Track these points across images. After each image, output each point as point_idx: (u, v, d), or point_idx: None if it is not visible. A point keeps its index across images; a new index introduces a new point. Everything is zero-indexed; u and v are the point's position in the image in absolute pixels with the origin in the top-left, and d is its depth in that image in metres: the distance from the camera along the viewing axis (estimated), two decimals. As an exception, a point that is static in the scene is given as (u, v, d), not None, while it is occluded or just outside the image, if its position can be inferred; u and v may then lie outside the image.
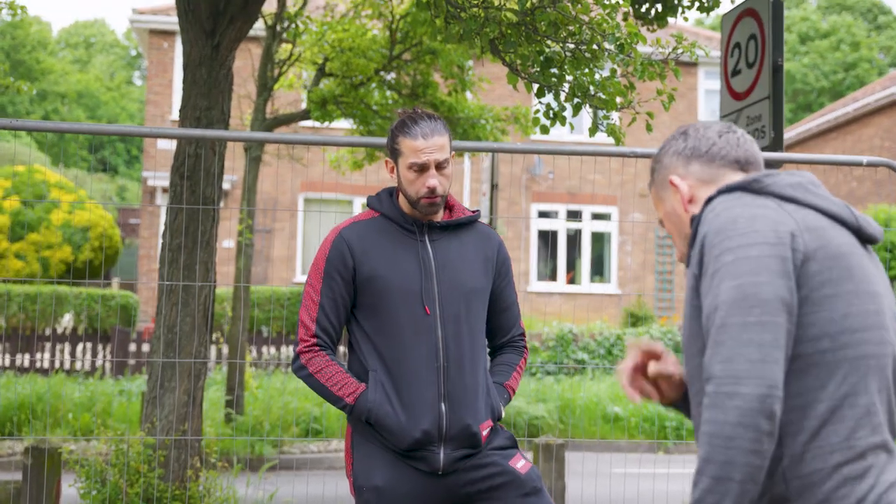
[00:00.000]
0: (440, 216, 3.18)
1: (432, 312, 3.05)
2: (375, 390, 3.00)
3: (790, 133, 25.22)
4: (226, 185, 20.22)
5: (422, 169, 3.06)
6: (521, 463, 3.12)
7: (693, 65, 21.91)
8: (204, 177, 6.10)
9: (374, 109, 10.78)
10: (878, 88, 22.93)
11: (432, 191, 3.06)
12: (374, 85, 10.69)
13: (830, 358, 1.84)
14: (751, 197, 1.94)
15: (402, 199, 3.15)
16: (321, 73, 10.84)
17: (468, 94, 11.67)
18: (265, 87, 10.85)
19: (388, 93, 10.94)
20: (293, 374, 3.17)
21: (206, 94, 6.19)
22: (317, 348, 3.04)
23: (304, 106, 11.09)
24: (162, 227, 20.92)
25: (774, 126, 5.73)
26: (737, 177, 2.07)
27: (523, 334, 3.36)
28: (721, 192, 1.99)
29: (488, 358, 3.29)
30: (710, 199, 2.00)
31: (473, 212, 3.25)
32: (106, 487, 5.63)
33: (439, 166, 3.07)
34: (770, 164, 5.82)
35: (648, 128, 4.87)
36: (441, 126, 3.09)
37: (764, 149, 5.71)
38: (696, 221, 2.00)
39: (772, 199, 1.94)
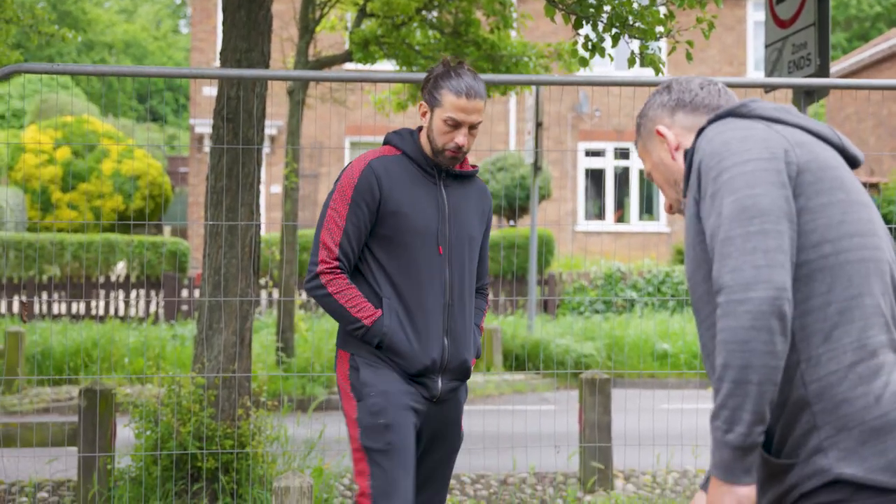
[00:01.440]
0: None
1: (445, 253, 3.26)
2: (390, 316, 3.18)
3: (844, 63, 24.67)
4: (272, 131, 20.32)
5: (456, 125, 3.22)
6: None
7: (742, -4, 21.48)
8: (246, 118, 6.13)
9: (416, 49, 10.71)
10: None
11: (459, 148, 3.24)
12: (415, 24, 10.60)
13: (833, 262, 1.91)
14: (740, 121, 2.04)
15: (424, 141, 3.31)
16: (362, 13, 10.78)
17: (512, 32, 11.56)
18: (307, 29, 10.82)
19: (431, 32, 10.86)
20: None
21: (246, 36, 6.19)
22: (338, 270, 3.18)
23: (346, 48, 11.05)
24: (210, 174, 21.08)
25: (820, 53, 5.63)
26: None
27: (488, 284, 3.61)
28: (711, 121, 2.09)
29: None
30: (701, 130, 2.09)
31: (473, 167, 3.44)
32: (159, 427, 5.75)
33: (472, 127, 3.24)
34: (817, 91, 5.72)
35: (688, 56, 4.80)
36: (483, 89, 3.23)
37: (810, 76, 5.61)
38: (689, 152, 2.09)
39: (760, 122, 2.03)
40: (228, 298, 5.94)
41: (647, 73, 19.06)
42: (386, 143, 3.37)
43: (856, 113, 24.89)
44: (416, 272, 3.21)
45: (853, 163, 2.11)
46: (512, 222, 18.67)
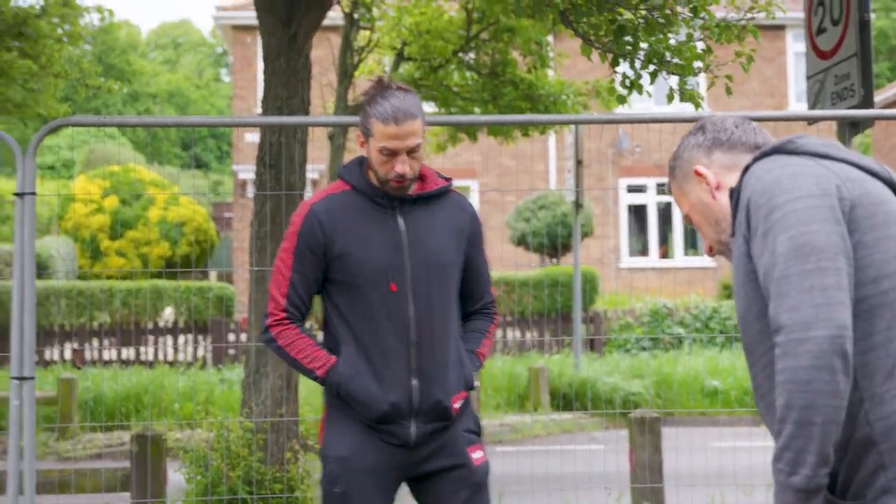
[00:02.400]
0: (413, 187, 3.13)
1: (401, 289, 3.03)
2: (346, 363, 3.01)
3: (888, 92, 24.46)
4: (314, 175, 20.50)
5: (392, 153, 2.99)
6: (477, 454, 3.16)
7: (781, 27, 21.43)
8: (287, 164, 6.22)
9: (454, 91, 10.81)
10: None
11: (402, 176, 3.01)
12: (453, 66, 10.71)
13: (893, 297, 1.89)
14: (788, 157, 2.01)
15: (372, 172, 3.10)
16: (400, 57, 10.91)
17: (549, 72, 11.62)
18: (346, 74, 10.97)
19: (468, 73, 10.95)
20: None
21: (286, 83, 6.30)
22: (287, 321, 3.03)
23: (385, 91, 11.15)
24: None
25: (864, 84, 5.59)
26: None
27: (494, 302, 3.35)
28: (757, 158, 2.05)
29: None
30: (747, 167, 2.05)
31: (447, 180, 3.19)
32: (209, 472, 5.79)
33: (411, 151, 3.00)
34: (861, 122, 5.69)
35: (728, 91, 4.80)
36: (414, 107, 2.99)
37: (854, 107, 5.57)
38: (736, 190, 2.05)
39: (808, 158, 1.99)
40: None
41: (687, 108, 19.05)
42: (339, 176, 3.18)
43: (901, 142, 24.61)
44: (369, 312, 3.01)
45: None
46: (554, 260, 18.64)
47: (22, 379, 4.00)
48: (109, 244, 20.85)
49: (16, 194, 4.03)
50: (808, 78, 6.14)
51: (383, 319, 3.01)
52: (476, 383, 3.25)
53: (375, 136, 2.99)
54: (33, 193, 4.05)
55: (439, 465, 3.09)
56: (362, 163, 3.14)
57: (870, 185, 1.98)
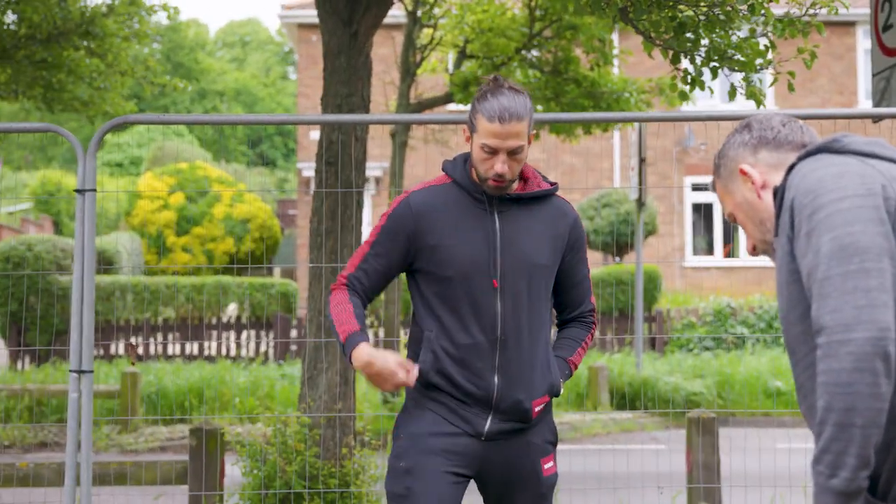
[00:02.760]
0: (514, 187, 3.11)
1: (490, 286, 3.03)
2: (427, 352, 3.03)
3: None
4: (377, 172, 20.62)
5: (493, 152, 2.98)
6: (549, 465, 3.14)
7: (850, 24, 21.01)
8: (347, 162, 6.25)
9: (517, 89, 10.76)
10: None
11: (500, 176, 2.99)
12: (515, 64, 10.68)
13: None
14: (833, 157, 1.99)
15: (474, 169, 3.09)
16: (462, 55, 10.91)
17: (615, 70, 11.54)
18: (408, 72, 11.00)
19: (531, 71, 10.91)
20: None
21: (346, 81, 6.33)
22: (344, 287, 3.08)
23: (447, 90, 11.18)
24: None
25: (930, 80, 5.48)
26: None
27: (593, 310, 3.30)
28: (801, 157, 2.03)
29: (554, 331, 3.25)
30: (792, 166, 2.03)
31: (552, 184, 3.16)
32: (266, 466, 5.85)
33: (512, 152, 2.98)
34: (927, 121, 5.56)
35: (790, 87, 4.72)
36: (522, 108, 2.95)
37: (920, 105, 5.45)
38: (780, 189, 2.03)
39: (853, 157, 1.98)
40: (331, 340, 6.02)
41: (751, 106, 18.77)
42: (442, 170, 3.20)
43: (976, 140, 24.03)
44: (458, 306, 3.02)
45: None
46: (618, 258, 18.50)
47: (80, 372, 4.07)
48: (175, 240, 21.17)
49: (77, 191, 4.10)
50: (874, 76, 6.03)
51: (470, 314, 3.01)
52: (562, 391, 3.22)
53: (479, 132, 2.99)
54: (94, 190, 4.11)
55: (509, 471, 3.08)
56: (467, 158, 3.14)
57: None
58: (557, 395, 3.13)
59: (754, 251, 2.22)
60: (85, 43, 9.42)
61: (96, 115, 10.13)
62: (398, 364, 2.90)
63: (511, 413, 3.03)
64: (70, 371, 4.08)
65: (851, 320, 1.79)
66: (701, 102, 18.08)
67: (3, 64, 9.35)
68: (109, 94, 10.00)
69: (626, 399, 11.35)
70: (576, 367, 3.25)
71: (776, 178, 2.13)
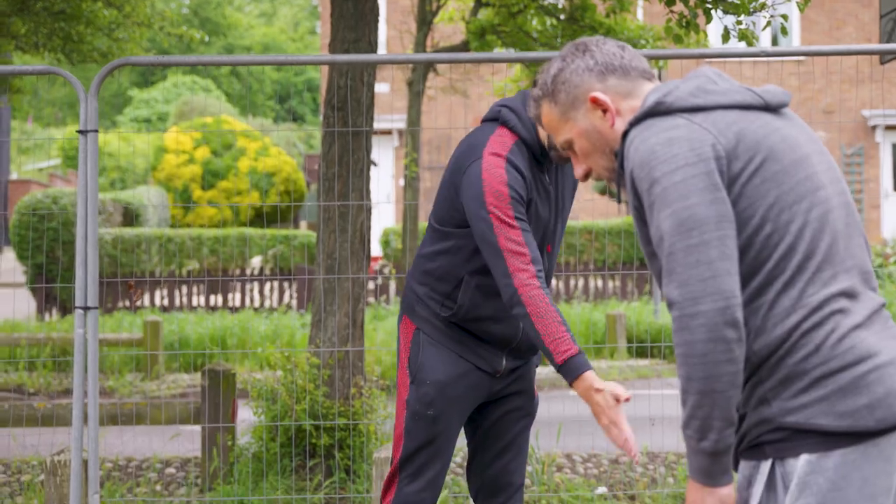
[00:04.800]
0: None
1: (546, 250, 3.17)
2: (465, 294, 3.12)
3: None
4: (400, 125, 20.65)
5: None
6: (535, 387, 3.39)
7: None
8: (355, 107, 6.32)
9: (533, 37, 10.74)
10: None
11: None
12: (531, 12, 10.63)
13: (777, 239, 1.93)
14: (660, 120, 1.99)
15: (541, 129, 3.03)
16: (479, 3, 10.88)
17: (640, 14, 11.48)
18: (424, 21, 11.00)
19: (547, 19, 10.86)
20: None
21: (354, 26, 6.37)
22: (538, 281, 2.92)
23: (462, 38, 11.18)
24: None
25: (935, 19, 5.48)
26: (648, 86, 2.13)
27: None
28: (632, 124, 2.04)
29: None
30: (625, 133, 2.05)
31: None
32: (276, 405, 5.99)
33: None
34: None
35: (784, 31, 4.72)
36: None
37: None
38: (619, 157, 2.07)
39: (680, 117, 1.98)
40: (341, 277, 6.13)
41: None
42: (502, 122, 3.07)
43: None
44: None
45: (782, 106, 2.07)
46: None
47: (86, 309, 4.20)
48: (201, 194, 21.36)
49: (79, 131, 4.21)
50: (882, 16, 6.02)
51: None
52: None
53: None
54: (96, 131, 4.22)
55: (512, 389, 3.29)
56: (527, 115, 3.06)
57: (744, 125, 1.99)
58: None
59: (586, 178, 2.21)
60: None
61: (115, 66, 10.21)
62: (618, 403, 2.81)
63: (523, 351, 3.24)
64: (75, 307, 4.22)
65: (699, 293, 1.86)
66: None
67: (22, 16, 9.45)
68: (128, 44, 10.09)
69: (643, 347, 11.42)
70: None
71: (626, 106, 2.12)
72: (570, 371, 2.83)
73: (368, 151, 6.45)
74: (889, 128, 21.27)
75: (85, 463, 4.28)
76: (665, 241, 1.92)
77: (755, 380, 1.95)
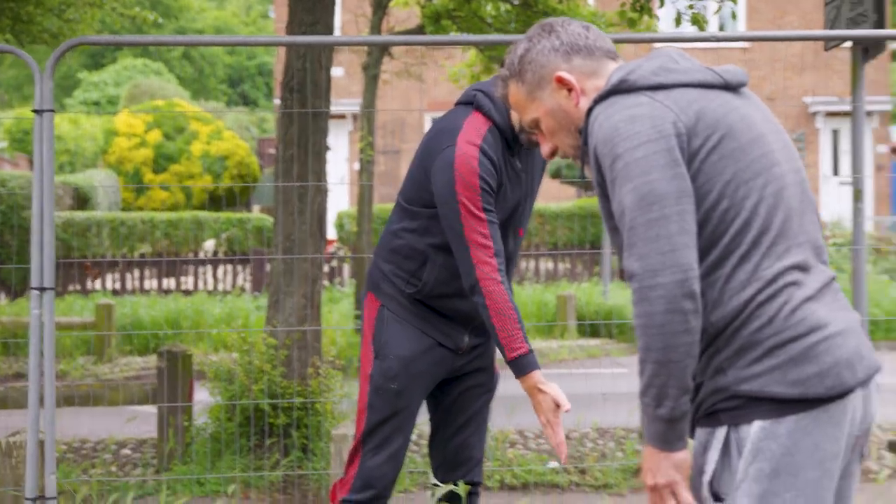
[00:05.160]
0: None
1: (517, 234, 3.21)
2: (431, 272, 3.15)
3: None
4: (355, 108, 20.57)
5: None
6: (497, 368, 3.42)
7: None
8: (312, 90, 6.30)
9: (487, 22, 10.75)
10: None
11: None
12: (485, -4, 10.63)
13: (733, 214, 1.98)
14: (623, 98, 2.03)
15: (514, 113, 3.05)
16: (433, -13, 10.86)
17: (590, 1, 11.52)
18: (380, 5, 10.96)
19: (501, 5, 10.88)
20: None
21: (311, 9, 6.35)
22: (499, 276, 2.98)
23: (418, 23, 11.15)
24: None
25: (877, 9, 5.61)
26: (612, 66, 2.16)
27: None
28: (596, 101, 2.07)
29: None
30: (589, 111, 2.08)
31: None
32: (234, 385, 5.98)
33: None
34: (873, 46, 5.68)
35: (733, 15, 4.80)
36: None
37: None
38: (584, 134, 2.11)
39: (643, 95, 2.02)
40: (298, 258, 6.12)
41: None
42: (477, 106, 3.09)
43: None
44: None
45: (741, 85, 2.12)
46: (590, 192, 18.63)
47: (42, 290, 4.17)
48: (153, 177, 21.14)
49: (34, 111, 4.16)
50: (827, 4, 6.13)
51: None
52: None
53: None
54: (51, 111, 4.17)
55: (474, 365, 3.33)
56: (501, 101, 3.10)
57: (704, 103, 2.03)
58: None
59: (552, 156, 2.24)
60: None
61: (66, 47, 10.07)
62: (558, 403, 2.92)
63: (486, 329, 3.26)
64: (31, 288, 4.18)
65: (658, 266, 1.90)
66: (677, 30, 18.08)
67: (-30, -4, 9.28)
68: (79, 25, 9.94)
69: (592, 327, 11.54)
70: None
71: (591, 85, 2.15)
72: (520, 368, 2.96)
73: (325, 133, 6.44)
74: (829, 114, 21.62)
75: (41, 444, 4.24)
76: (626, 215, 1.96)
77: (711, 350, 2.00)
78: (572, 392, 6.60)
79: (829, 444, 1.94)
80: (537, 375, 2.93)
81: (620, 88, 2.04)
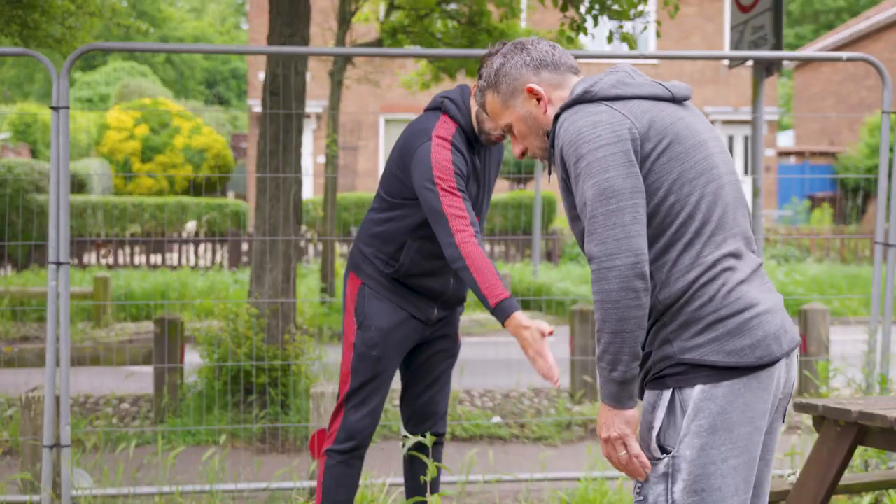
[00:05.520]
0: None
1: (477, 219, 3.16)
2: (407, 254, 3.16)
3: (810, 49, 24.36)
4: (318, 109, 20.39)
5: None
6: (460, 336, 3.45)
7: (721, -9, 21.24)
8: (288, 93, 6.23)
9: (437, 37, 10.72)
10: (888, 7, 22.00)
11: (503, 135, 3.07)
12: (436, 15, 10.60)
13: (679, 207, 2.00)
14: (586, 106, 2.05)
15: (473, 115, 3.11)
16: (391, 6, 10.81)
17: (522, 22, 11.53)
18: (344, 20, 10.86)
19: (450, 22, 10.85)
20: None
21: (289, 22, 6.27)
22: (475, 238, 2.97)
23: (377, 36, 11.08)
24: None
25: (775, 33, 5.66)
26: (574, 79, 2.18)
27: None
28: (563, 109, 2.09)
29: None
30: (557, 116, 2.10)
31: None
32: (220, 349, 5.92)
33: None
34: (774, 64, 5.76)
35: (658, 34, 4.83)
36: None
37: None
38: (551, 137, 2.12)
39: (603, 104, 2.04)
40: (276, 239, 6.07)
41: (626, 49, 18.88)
42: (444, 111, 3.13)
43: (819, 92, 24.61)
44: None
45: (685, 98, 2.15)
46: (522, 185, 18.70)
47: (59, 264, 4.08)
48: (140, 166, 20.76)
49: (52, 107, 4.06)
50: (731, 28, 6.19)
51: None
52: None
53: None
54: (67, 107, 4.08)
55: (440, 333, 3.34)
56: (466, 103, 3.13)
57: (656, 112, 2.05)
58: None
59: (522, 156, 2.26)
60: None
61: (68, 51, 9.84)
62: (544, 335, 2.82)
63: (453, 302, 3.29)
64: (49, 262, 4.08)
65: (615, 250, 1.92)
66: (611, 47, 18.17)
67: (-18, 4, 9.00)
68: (80, 32, 9.71)
69: (525, 302, 11.60)
70: None
71: (557, 95, 2.17)
72: (502, 311, 2.85)
73: (300, 131, 6.38)
74: (725, 122, 21.95)
75: (56, 399, 4.16)
76: (588, 206, 1.97)
77: (659, 324, 2.02)
78: (508, 358, 6.66)
79: (759, 404, 1.98)
80: (520, 316, 2.84)
81: (584, 98, 2.06)
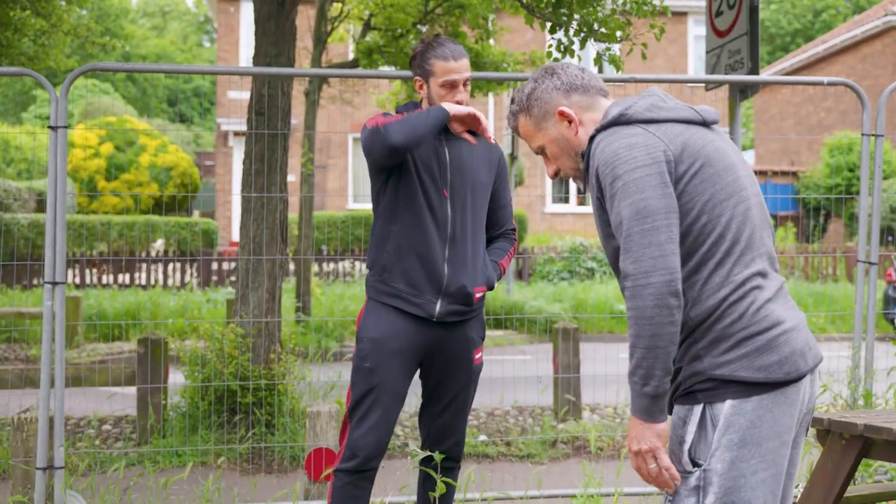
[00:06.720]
0: None
1: (448, 195, 3.20)
2: (393, 243, 3.18)
3: (768, 71, 24.85)
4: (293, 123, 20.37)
5: (452, 86, 3.15)
6: (478, 355, 3.35)
7: (683, 14, 21.61)
8: (274, 113, 6.25)
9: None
10: (842, 31, 22.55)
11: (460, 104, 3.16)
12: (412, 36, 10.68)
13: (710, 227, 2.06)
14: (622, 129, 2.11)
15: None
16: (367, 26, 10.86)
17: (493, 42, 11.63)
18: (320, 40, 10.90)
19: (424, 42, 10.92)
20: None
21: (275, 43, 6.30)
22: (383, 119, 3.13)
23: (352, 56, 11.14)
24: (235, 166, 20.99)
25: (752, 57, 5.79)
26: (605, 102, 2.25)
27: (514, 229, 3.52)
28: (598, 130, 2.15)
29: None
30: (592, 138, 2.16)
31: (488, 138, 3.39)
32: (206, 369, 5.89)
33: (465, 83, 3.18)
34: (749, 87, 5.89)
35: (643, 56, 4.94)
36: (463, 49, 3.21)
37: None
38: (586, 157, 2.18)
39: (638, 126, 2.11)
40: (260, 258, 6.07)
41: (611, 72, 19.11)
42: (396, 111, 3.24)
43: (779, 112, 25.10)
44: (419, 209, 3.18)
45: (714, 122, 2.22)
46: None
47: (54, 283, 4.06)
48: (105, 185, 20.55)
49: (50, 127, 4.05)
50: (708, 52, 6.31)
51: (428, 215, 3.17)
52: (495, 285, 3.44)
53: (437, 73, 3.15)
54: (66, 127, 4.07)
55: (449, 359, 3.26)
56: (417, 105, 3.26)
57: (688, 135, 2.11)
58: (492, 287, 3.32)
59: (555, 176, 2.31)
60: (30, 3, 9.06)
61: (41, 69, 9.77)
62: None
63: (457, 296, 3.18)
64: (45, 282, 4.06)
65: (650, 268, 1.97)
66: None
67: (-45, 21, 8.91)
68: (53, 50, 9.66)
69: (498, 320, 11.66)
70: (504, 270, 3.43)
71: (588, 118, 2.23)
72: (436, 112, 3.10)
73: (286, 150, 6.40)
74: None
75: (49, 420, 4.13)
76: (624, 225, 2.02)
77: (690, 340, 2.07)
78: (490, 376, 6.70)
79: (786, 419, 2.04)
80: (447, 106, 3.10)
81: (620, 121, 2.12)
